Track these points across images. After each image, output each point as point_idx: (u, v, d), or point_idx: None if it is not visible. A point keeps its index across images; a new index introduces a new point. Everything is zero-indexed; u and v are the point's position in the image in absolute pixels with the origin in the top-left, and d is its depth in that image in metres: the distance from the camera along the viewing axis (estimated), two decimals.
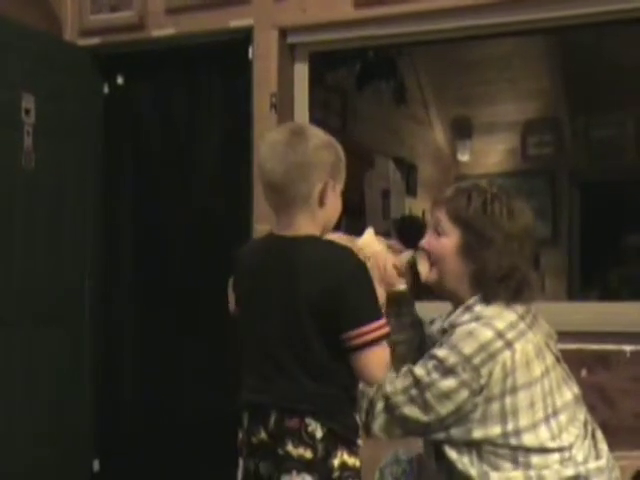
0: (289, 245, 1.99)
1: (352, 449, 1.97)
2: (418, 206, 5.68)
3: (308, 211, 1.99)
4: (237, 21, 4.25)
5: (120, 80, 4.70)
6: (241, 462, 2.03)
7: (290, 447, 1.91)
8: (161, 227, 4.58)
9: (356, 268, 1.97)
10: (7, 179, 4.14)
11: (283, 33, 4.22)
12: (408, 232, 5.31)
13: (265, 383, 1.98)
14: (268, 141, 2.03)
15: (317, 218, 2.01)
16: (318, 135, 2.02)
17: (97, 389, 4.63)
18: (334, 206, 2.06)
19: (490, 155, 6.13)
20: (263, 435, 1.95)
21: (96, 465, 4.62)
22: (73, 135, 4.50)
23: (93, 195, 4.65)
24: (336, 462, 1.93)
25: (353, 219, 5.16)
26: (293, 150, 1.96)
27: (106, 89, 4.72)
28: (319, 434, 1.92)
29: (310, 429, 1.92)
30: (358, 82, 5.19)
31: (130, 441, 4.59)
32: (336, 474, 1.93)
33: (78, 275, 4.55)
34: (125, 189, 4.72)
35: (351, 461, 1.96)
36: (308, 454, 1.91)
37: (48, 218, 4.36)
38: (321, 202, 1.99)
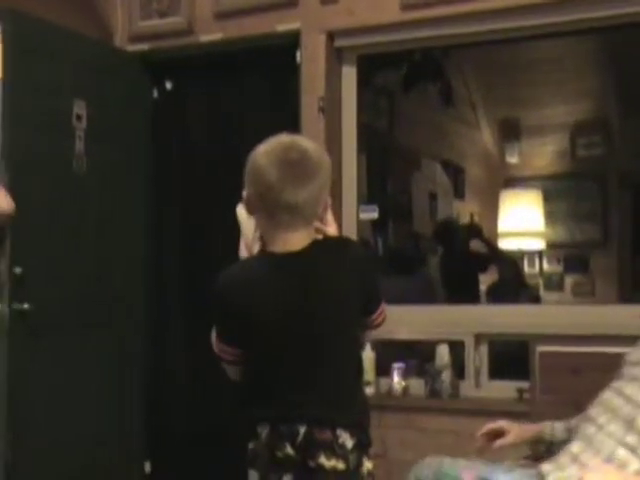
0: (311, 253, 2.07)
1: (369, 454, 2.06)
2: (466, 209, 5.65)
3: (313, 225, 2.12)
4: (284, 25, 4.30)
5: (169, 85, 4.77)
6: (254, 474, 2.06)
7: (323, 459, 1.97)
8: (209, 231, 4.61)
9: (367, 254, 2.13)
10: (59, 184, 4.21)
11: (331, 36, 4.25)
12: (446, 235, 5.31)
13: (296, 398, 2.02)
14: (277, 161, 2.05)
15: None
16: (322, 152, 2.13)
17: (148, 391, 4.69)
18: None
19: (539, 157, 6.10)
20: (289, 449, 1.99)
21: (147, 467, 4.68)
22: (123, 140, 4.57)
23: (142, 199, 4.72)
24: (365, 470, 2.02)
25: (400, 221, 5.18)
26: (315, 175, 2.05)
27: (155, 94, 4.79)
28: (349, 445, 1.99)
29: (341, 441, 1.98)
30: (405, 84, 5.18)
31: (181, 443, 4.64)
32: None
33: (127, 278, 4.61)
34: (173, 193, 4.78)
35: (371, 466, 2.06)
36: (341, 465, 1.98)
37: (98, 222, 4.42)
38: (323, 214, 2.14)
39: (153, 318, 4.73)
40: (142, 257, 4.71)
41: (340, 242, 2.21)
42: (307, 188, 2.03)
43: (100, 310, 4.40)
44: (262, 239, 2.14)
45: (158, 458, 4.69)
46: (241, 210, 2.25)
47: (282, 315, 2.04)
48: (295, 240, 2.06)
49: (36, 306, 4.02)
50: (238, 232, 4.78)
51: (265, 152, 2.09)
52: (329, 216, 2.21)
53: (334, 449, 1.97)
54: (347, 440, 1.99)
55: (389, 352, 4.18)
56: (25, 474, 3.97)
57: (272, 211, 2.05)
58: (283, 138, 2.15)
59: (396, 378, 4.03)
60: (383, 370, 4.07)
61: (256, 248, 2.18)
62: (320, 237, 2.14)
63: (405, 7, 4.05)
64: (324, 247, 2.10)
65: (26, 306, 4.00)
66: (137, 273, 4.67)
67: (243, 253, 2.23)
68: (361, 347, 2.13)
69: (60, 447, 4.11)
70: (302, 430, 1.98)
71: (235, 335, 2.09)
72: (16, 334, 3.99)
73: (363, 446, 2.03)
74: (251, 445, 2.05)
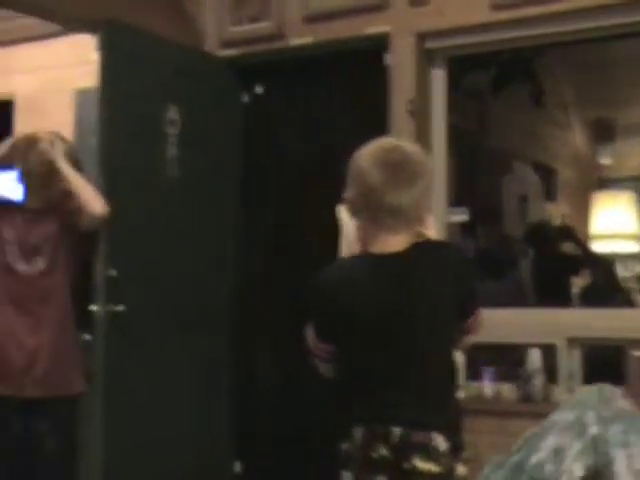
0: (412, 255, 2.08)
1: (463, 459, 2.05)
2: (558, 211, 5.56)
3: (414, 228, 2.13)
4: (373, 28, 4.30)
5: (259, 89, 4.81)
6: (348, 475, 2.07)
7: (417, 461, 1.97)
8: (299, 234, 4.63)
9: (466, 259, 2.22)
10: (152, 188, 4.30)
11: (421, 38, 4.24)
12: (538, 238, 5.22)
13: (391, 401, 2.03)
14: (381, 163, 2.08)
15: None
16: (424, 155, 2.14)
17: (237, 392, 4.73)
18: None
19: (633, 158, 5.96)
20: (384, 450, 1.99)
21: (237, 467, 4.72)
22: (214, 144, 4.63)
23: (233, 202, 4.78)
24: (458, 474, 2.01)
25: (490, 224, 5.12)
26: (417, 177, 2.07)
27: (246, 98, 4.84)
28: (443, 448, 1.99)
29: (435, 443, 1.98)
30: (494, 85, 5.12)
31: (270, 443, 4.67)
32: None
33: (218, 281, 4.66)
34: (264, 196, 4.82)
35: (464, 471, 2.05)
36: (435, 468, 1.97)
37: (190, 225, 4.48)
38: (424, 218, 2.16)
39: (242, 320, 4.77)
40: (232, 259, 4.76)
41: (440, 245, 2.23)
42: (410, 191, 2.05)
43: (191, 312, 4.45)
44: (363, 239, 2.15)
45: (248, 458, 4.72)
46: (342, 211, 2.28)
47: (382, 314, 2.05)
48: (396, 242, 2.08)
49: (130, 308, 4.10)
50: (329, 233, 4.79)
51: (368, 154, 2.11)
52: (429, 219, 2.22)
53: (429, 452, 1.97)
54: (442, 443, 1.99)
55: (478, 356, 4.13)
56: (120, 473, 4.05)
57: (375, 213, 2.08)
58: (386, 141, 2.18)
59: (487, 382, 4.00)
60: (472, 374, 4.03)
61: (357, 249, 2.19)
62: (420, 239, 2.14)
63: (496, 7, 4.03)
64: (424, 249, 2.11)
65: (121, 308, 4.08)
66: (228, 275, 4.73)
67: (344, 253, 2.25)
68: (456, 351, 2.11)
69: (153, 447, 4.17)
70: (397, 431, 1.98)
71: (333, 333, 2.11)
72: (111, 335, 4.07)
73: (457, 450, 2.03)
74: (344, 446, 2.06)
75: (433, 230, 2.23)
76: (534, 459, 2.42)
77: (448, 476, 1.99)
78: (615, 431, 2.43)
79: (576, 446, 2.40)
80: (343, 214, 2.28)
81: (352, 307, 2.07)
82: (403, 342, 2.04)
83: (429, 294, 2.07)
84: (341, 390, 2.13)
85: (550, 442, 2.40)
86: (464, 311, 2.15)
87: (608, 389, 2.60)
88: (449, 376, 2.15)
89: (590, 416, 2.45)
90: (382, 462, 1.99)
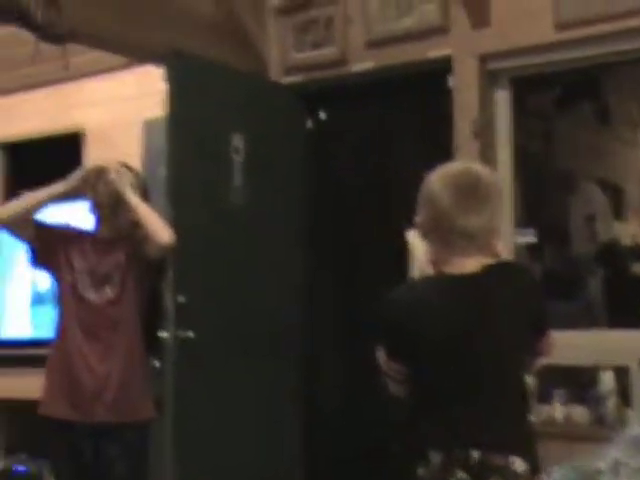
0: (485, 277, 2.08)
1: None
2: (628, 230, 5.46)
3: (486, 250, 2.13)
4: (436, 51, 4.31)
5: (323, 115, 4.86)
6: None
7: None
8: (364, 256, 4.62)
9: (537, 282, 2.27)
10: (219, 214, 4.35)
11: (484, 60, 4.24)
12: (608, 258, 5.14)
13: (469, 425, 2.03)
14: (452, 187, 2.09)
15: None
16: (495, 178, 2.15)
17: (305, 417, 4.72)
18: None
19: None
20: (462, 474, 1.98)
21: None
22: (278, 170, 4.66)
23: (297, 231, 4.77)
24: None
25: (557, 245, 5.05)
26: (488, 201, 2.08)
27: (309, 124, 4.87)
28: (521, 469, 1.98)
29: (514, 467, 1.97)
30: (559, 105, 5.06)
31: (339, 468, 4.67)
32: None
33: (283, 306, 4.66)
34: (328, 221, 4.85)
35: None
36: None
37: (256, 251, 4.51)
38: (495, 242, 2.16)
39: (309, 346, 4.77)
40: (297, 286, 4.75)
41: (513, 268, 2.26)
42: (481, 215, 2.07)
43: (258, 338, 4.47)
44: (434, 262, 2.17)
45: (313, 474, 4.69)
46: (413, 234, 2.29)
47: (453, 334, 2.06)
48: (469, 264, 2.09)
49: (198, 334, 4.14)
50: (394, 256, 4.80)
51: (438, 178, 2.13)
52: (500, 241, 2.23)
53: (508, 475, 1.96)
54: (520, 466, 1.98)
55: (548, 378, 4.07)
56: None
57: (446, 237, 2.09)
58: (456, 164, 2.22)
59: (558, 405, 3.95)
60: (543, 397, 3.97)
61: (429, 271, 2.21)
62: (493, 261, 2.15)
63: (559, 26, 4.01)
64: (497, 271, 2.11)
65: (190, 334, 4.11)
66: (293, 301, 4.72)
67: (415, 275, 2.29)
68: (528, 374, 2.11)
69: (221, 473, 4.20)
70: (476, 455, 1.97)
71: (403, 353, 2.12)
72: (180, 361, 4.12)
73: (535, 472, 2.02)
74: (421, 472, 2.05)
75: (504, 252, 2.26)
76: (598, 466, 2.41)
77: None
78: None
79: (634, 464, 2.38)
80: (413, 237, 2.30)
81: (421, 327, 2.08)
82: (476, 363, 2.05)
83: (502, 316, 2.07)
84: (413, 413, 2.13)
85: (613, 454, 2.38)
86: (536, 334, 2.15)
87: None
88: (521, 397, 2.15)
89: None
90: None
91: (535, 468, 2.03)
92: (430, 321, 2.08)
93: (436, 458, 2.02)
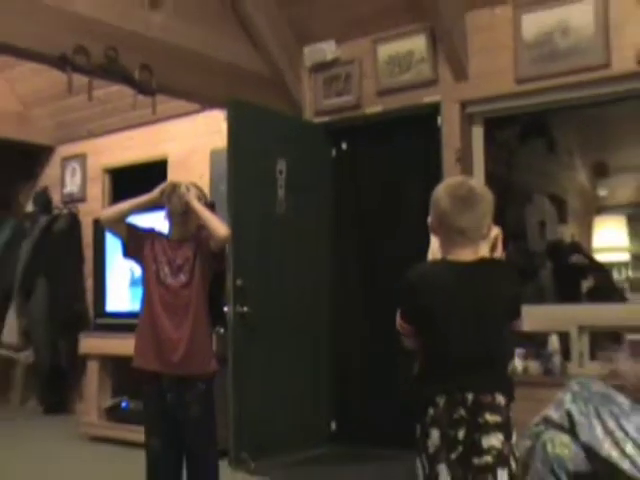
0: (478, 266, 2.04)
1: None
2: (568, 231, 5.42)
3: (482, 243, 2.07)
4: (428, 97, 4.29)
5: (344, 146, 4.80)
6: (434, 431, 1.99)
7: (487, 416, 1.95)
8: (380, 254, 4.52)
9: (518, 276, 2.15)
10: (267, 220, 4.34)
11: (464, 105, 4.22)
12: (554, 252, 5.05)
13: (464, 374, 1.99)
14: (451, 195, 2.03)
15: (484, 245, 2.10)
16: (485, 190, 2.08)
17: (335, 369, 4.64)
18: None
19: (623, 190, 5.70)
20: (462, 411, 1.97)
21: (333, 425, 4.66)
22: (311, 188, 4.64)
23: (326, 233, 4.71)
24: (512, 421, 2.01)
25: (517, 242, 5.02)
26: (477, 206, 2.02)
27: (333, 153, 4.82)
28: (503, 403, 1.98)
29: (498, 401, 1.97)
30: (519, 138, 4.99)
31: (361, 407, 4.56)
32: (513, 429, 2.01)
33: (318, 289, 4.61)
34: (350, 225, 4.72)
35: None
36: (499, 419, 1.96)
37: (295, 248, 4.47)
38: (487, 235, 2.08)
39: (339, 315, 4.66)
40: (329, 275, 4.69)
41: (499, 263, 2.16)
42: (472, 216, 2.01)
43: (297, 312, 4.43)
44: (442, 251, 2.12)
45: (342, 419, 4.64)
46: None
47: (455, 305, 2.00)
48: (465, 254, 2.05)
49: (252, 309, 4.12)
50: (401, 251, 4.63)
51: (443, 188, 2.08)
52: (499, 243, 2.17)
53: (494, 408, 1.96)
54: (502, 401, 1.98)
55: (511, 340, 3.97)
56: (247, 425, 4.06)
57: (448, 232, 2.05)
58: (457, 178, 2.17)
59: (518, 360, 3.88)
60: None
61: (438, 256, 2.16)
62: (486, 257, 2.11)
63: (519, 81, 4.00)
64: (488, 263, 2.09)
65: (245, 309, 4.09)
66: (325, 286, 4.66)
67: (429, 259, 2.21)
68: (509, 341, 2.07)
69: (269, 411, 4.17)
70: (470, 396, 1.96)
71: (416, 317, 2.05)
72: (238, 330, 4.09)
73: (510, 403, 2.02)
74: (431, 411, 1.99)
75: (500, 252, 2.17)
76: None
77: (508, 423, 1.98)
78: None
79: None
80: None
81: (431, 298, 2.01)
82: (471, 330, 2.00)
83: (490, 295, 2.03)
84: (424, 370, 2.06)
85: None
86: (512, 314, 2.09)
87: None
88: (505, 356, 2.18)
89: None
90: (461, 420, 1.96)
91: (510, 401, 2.01)
92: (436, 294, 2.01)
93: (442, 400, 1.97)
